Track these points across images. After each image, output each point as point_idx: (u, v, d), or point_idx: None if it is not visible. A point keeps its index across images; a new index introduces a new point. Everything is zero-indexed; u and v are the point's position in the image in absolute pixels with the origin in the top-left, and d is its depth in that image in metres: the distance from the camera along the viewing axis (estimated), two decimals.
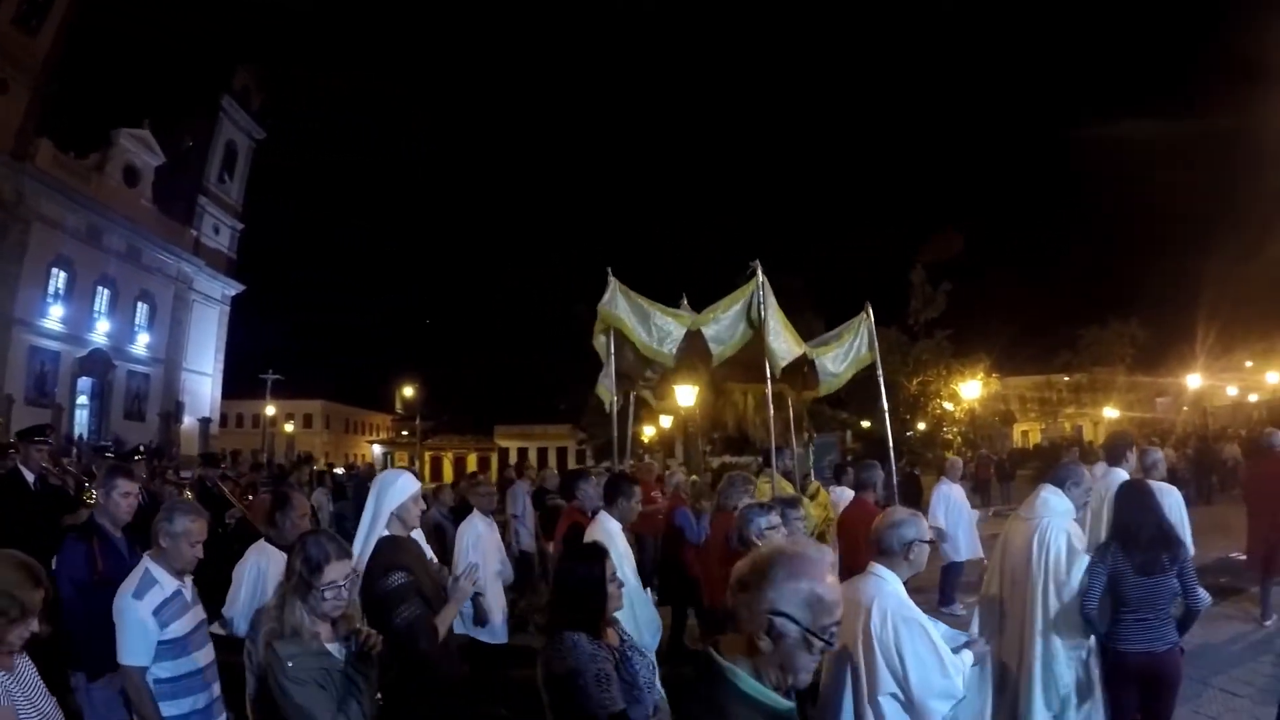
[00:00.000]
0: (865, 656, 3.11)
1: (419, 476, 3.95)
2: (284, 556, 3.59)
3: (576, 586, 2.96)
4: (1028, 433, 57.08)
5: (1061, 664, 4.26)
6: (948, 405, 27.06)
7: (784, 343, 6.51)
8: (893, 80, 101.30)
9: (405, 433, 58.54)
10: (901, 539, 3.31)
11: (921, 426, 34.75)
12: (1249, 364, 46.58)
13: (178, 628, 3.41)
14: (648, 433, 41.18)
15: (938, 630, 3.21)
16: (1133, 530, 4.15)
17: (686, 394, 22.86)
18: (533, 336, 51.63)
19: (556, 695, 2.79)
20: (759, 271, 6.33)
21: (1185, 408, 45.60)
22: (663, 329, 6.30)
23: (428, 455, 53.08)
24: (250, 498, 13.81)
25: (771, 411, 6.85)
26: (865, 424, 32.56)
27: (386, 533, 3.58)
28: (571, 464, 49.84)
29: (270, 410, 48.04)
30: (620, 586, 3.09)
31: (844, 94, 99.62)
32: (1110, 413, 50.47)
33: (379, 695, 2.96)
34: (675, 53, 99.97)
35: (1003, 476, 23.99)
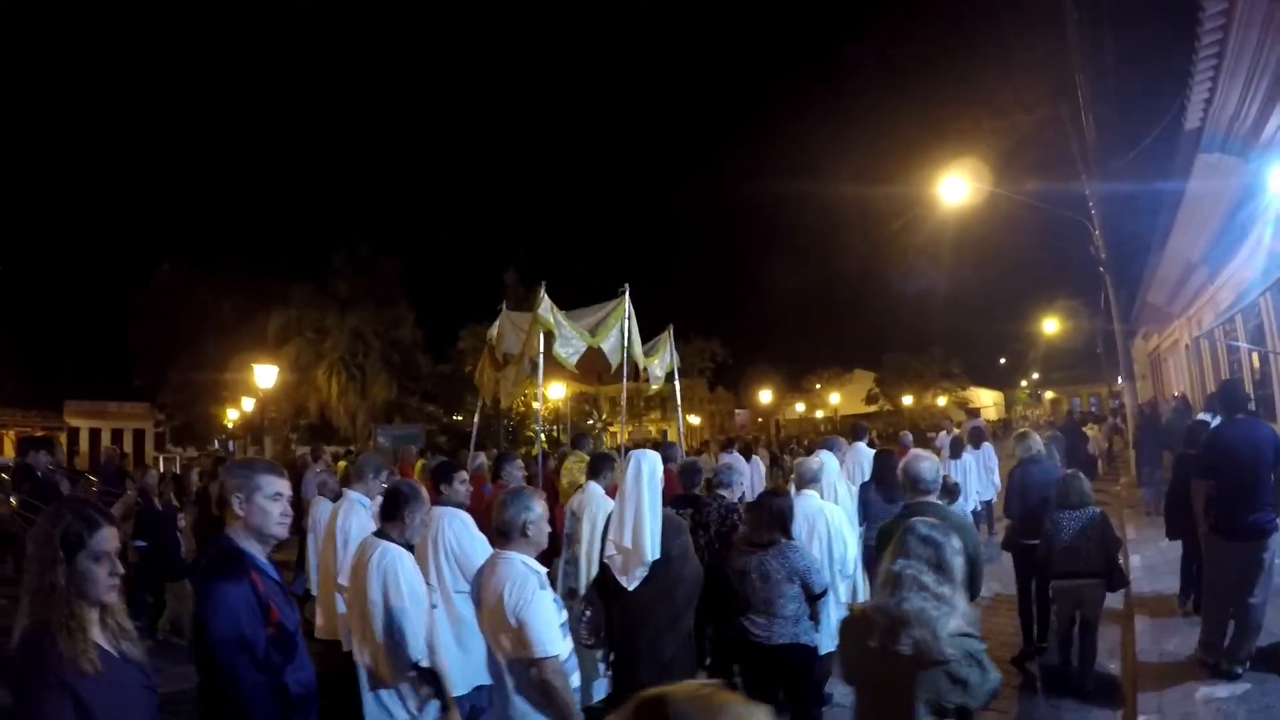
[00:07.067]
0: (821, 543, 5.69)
1: None
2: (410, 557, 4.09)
3: (789, 510, 4.84)
4: (616, 434, 64.36)
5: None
6: (535, 404, 29.88)
7: (640, 350, 8.79)
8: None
9: None
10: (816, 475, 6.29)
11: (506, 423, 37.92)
12: (818, 386, 59.30)
13: (562, 613, 3.53)
14: (231, 416, 40.09)
15: None
16: (885, 475, 7.38)
17: (266, 374, 23.15)
18: (108, 299, 46.78)
19: (804, 579, 4.62)
20: (627, 294, 8.38)
21: (760, 419, 55.93)
22: (568, 339, 7.93)
23: None
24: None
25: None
26: (458, 417, 35.36)
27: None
28: (149, 448, 46.41)
29: None
30: None
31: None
32: (694, 419, 59.51)
33: None
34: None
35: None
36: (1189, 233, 11.54)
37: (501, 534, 3.55)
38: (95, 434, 46.77)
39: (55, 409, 46.87)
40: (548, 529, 3.60)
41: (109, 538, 2.47)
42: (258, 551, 2.92)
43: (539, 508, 3.59)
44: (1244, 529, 5.58)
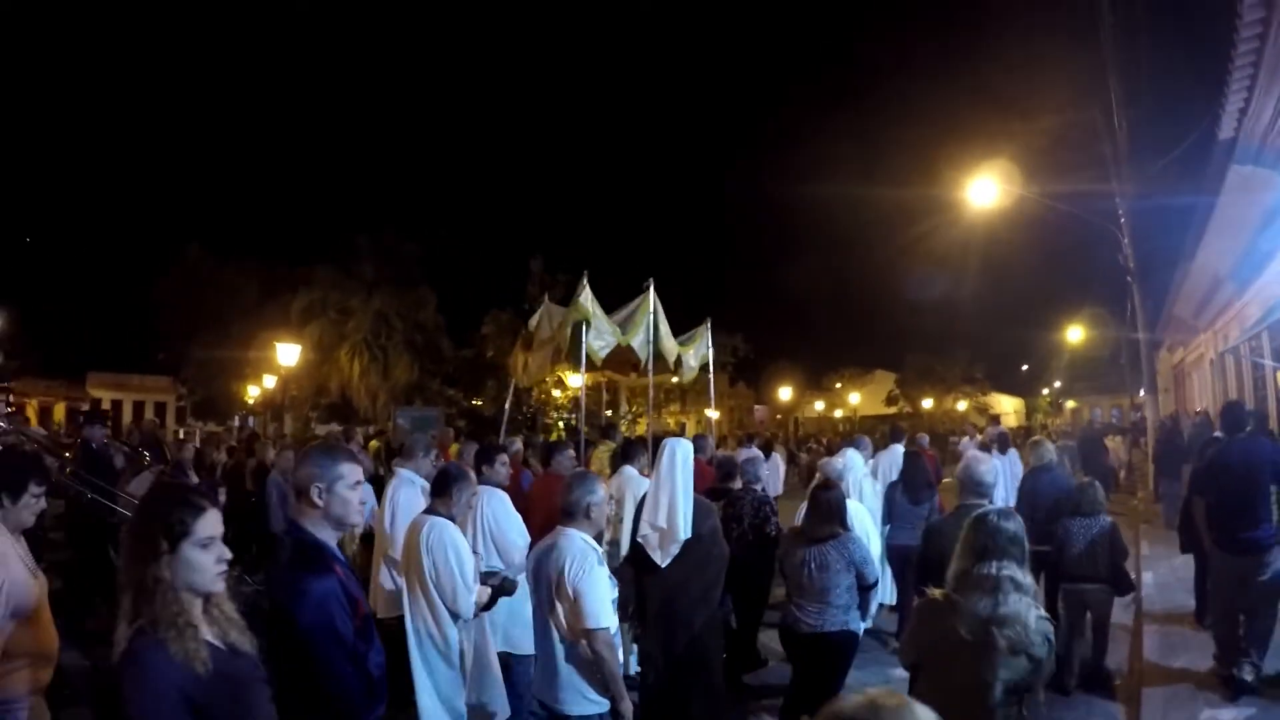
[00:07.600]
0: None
1: None
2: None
3: (844, 503, 5.08)
4: (637, 424, 64.78)
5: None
6: (555, 392, 29.71)
7: (669, 342, 9.03)
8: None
9: None
10: (840, 473, 6.52)
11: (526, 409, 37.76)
12: (838, 385, 59.65)
13: (614, 590, 3.84)
14: (252, 392, 40.35)
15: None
16: (912, 477, 7.71)
17: (288, 352, 23.52)
18: (134, 273, 46.92)
19: (860, 569, 4.83)
20: (652, 288, 8.68)
21: (779, 416, 56.15)
22: (601, 332, 8.24)
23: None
24: None
25: (651, 392, 9.62)
26: (477, 402, 35.69)
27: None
28: (170, 421, 46.86)
29: None
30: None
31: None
32: (712, 414, 59.76)
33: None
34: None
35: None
36: (1219, 246, 11.54)
37: (567, 513, 3.80)
38: (117, 405, 47.12)
39: (78, 380, 47.31)
40: (607, 512, 3.89)
41: (215, 521, 2.30)
42: (330, 539, 2.84)
43: (602, 491, 3.87)
44: (1241, 545, 5.72)
